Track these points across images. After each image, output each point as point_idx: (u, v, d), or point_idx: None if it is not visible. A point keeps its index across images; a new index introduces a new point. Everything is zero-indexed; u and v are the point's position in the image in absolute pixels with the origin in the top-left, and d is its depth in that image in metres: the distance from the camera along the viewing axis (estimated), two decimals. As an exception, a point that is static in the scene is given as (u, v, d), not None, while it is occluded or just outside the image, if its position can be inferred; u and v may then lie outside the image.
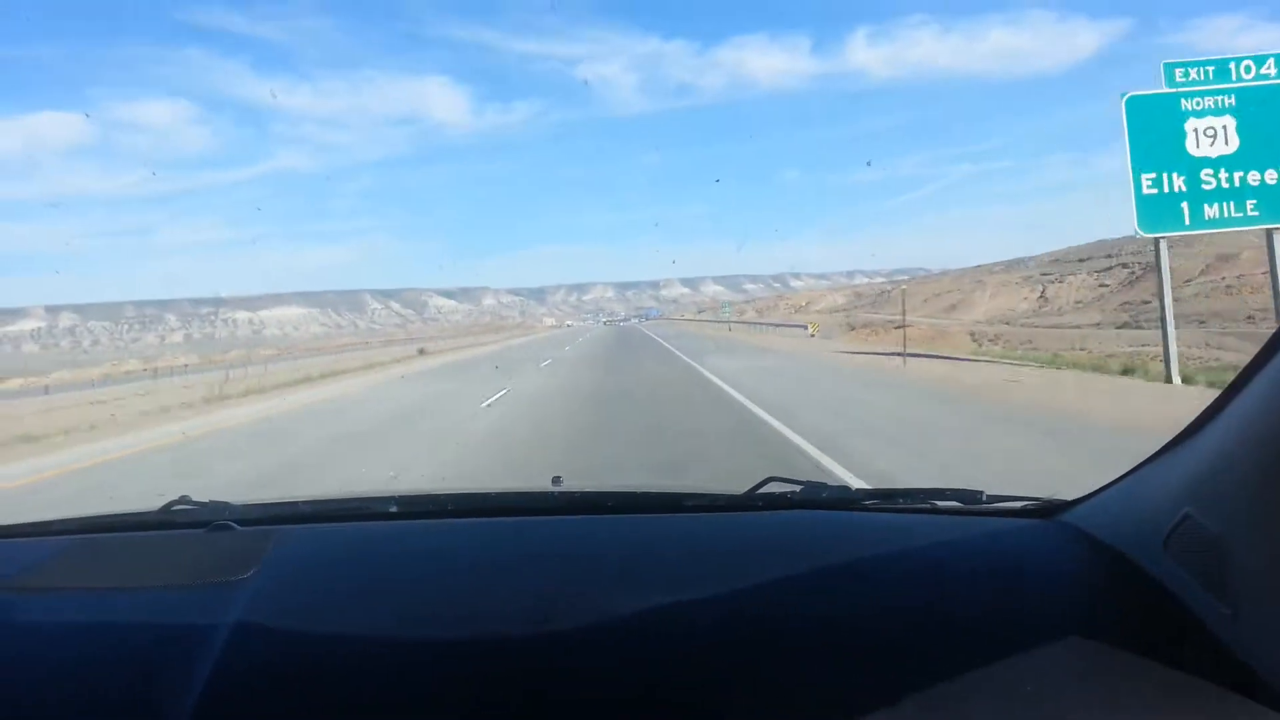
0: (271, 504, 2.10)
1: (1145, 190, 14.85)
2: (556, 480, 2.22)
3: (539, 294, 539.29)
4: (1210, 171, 14.67)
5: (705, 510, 1.88)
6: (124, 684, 1.24)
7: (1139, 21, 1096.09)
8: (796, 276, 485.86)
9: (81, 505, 7.86)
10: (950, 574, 1.46)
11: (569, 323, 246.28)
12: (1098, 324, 53.09)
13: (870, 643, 1.24)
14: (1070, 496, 1.63)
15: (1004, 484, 1.91)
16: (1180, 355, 32.40)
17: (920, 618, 1.29)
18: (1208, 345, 38.12)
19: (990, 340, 48.25)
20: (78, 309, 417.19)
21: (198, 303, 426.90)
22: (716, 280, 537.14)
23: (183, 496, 1.97)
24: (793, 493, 1.88)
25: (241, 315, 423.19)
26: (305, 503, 2.08)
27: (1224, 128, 14.62)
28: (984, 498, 1.78)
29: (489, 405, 15.45)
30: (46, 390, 43.52)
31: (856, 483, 6.37)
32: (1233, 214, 14.67)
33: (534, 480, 2.38)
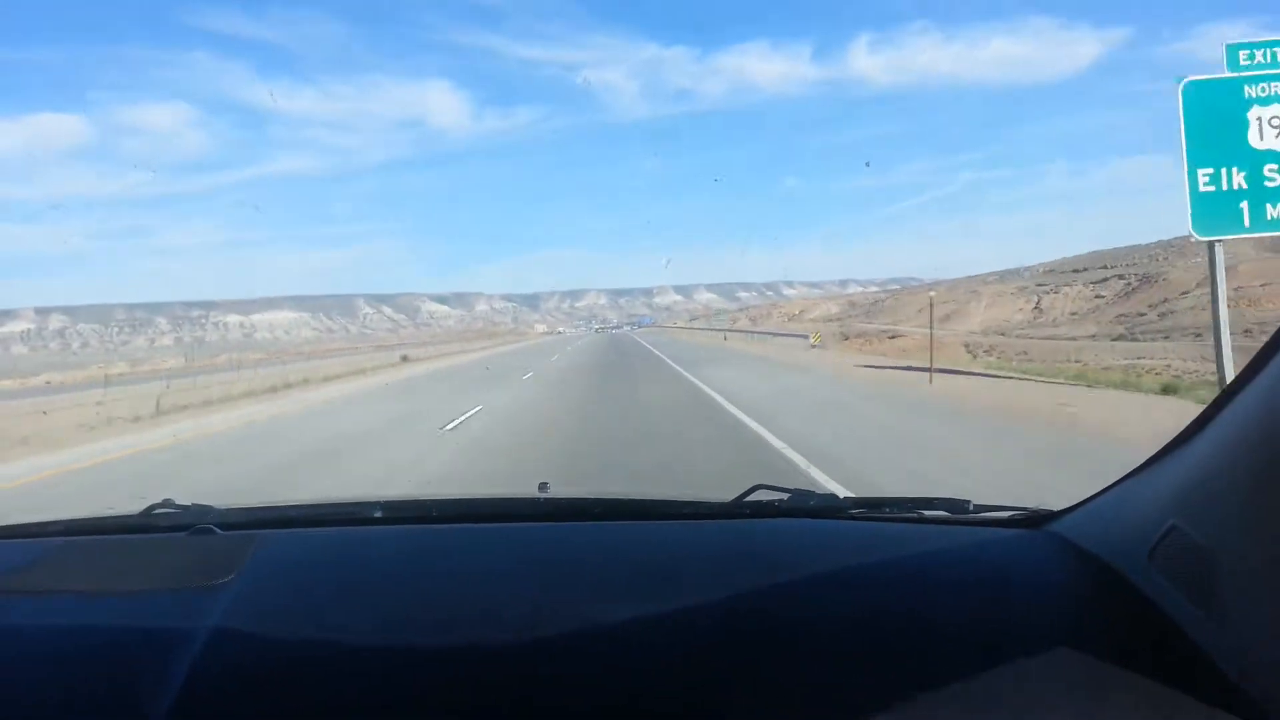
0: (255, 508, 2.05)
1: (1202, 188, 13.14)
2: (543, 486, 2.19)
3: (532, 300, 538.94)
4: (1275, 167, 13.10)
5: (692, 517, 1.89)
6: (101, 687, 1.25)
7: (1140, 30, 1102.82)
8: (790, 285, 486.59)
9: None
10: (936, 583, 1.45)
11: (561, 329, 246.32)
12: (1093, 336, 52.70)
13: (857, 651, 1.24)
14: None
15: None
16: (1178, 369, 32.05)
17: (905, 626, 1.29)
18: (1204, 359, 37.65)
19: (985, 351, 47.76)
20: (68, 311, 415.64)
21: (189, 306, 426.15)
22: (710, 288, 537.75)
23: (165, 500, 1.94)
24: (780, 500, 1.87)
25: (232, 319, 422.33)
26: (290, 507, 2.06)
27: (1293, 117, 12.96)
28: (971, 507, 1.78)
29: (453, 429, 13.23)
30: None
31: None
32: (1300, 215, 13.02)
33: None
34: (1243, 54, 13.21)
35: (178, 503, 1.94)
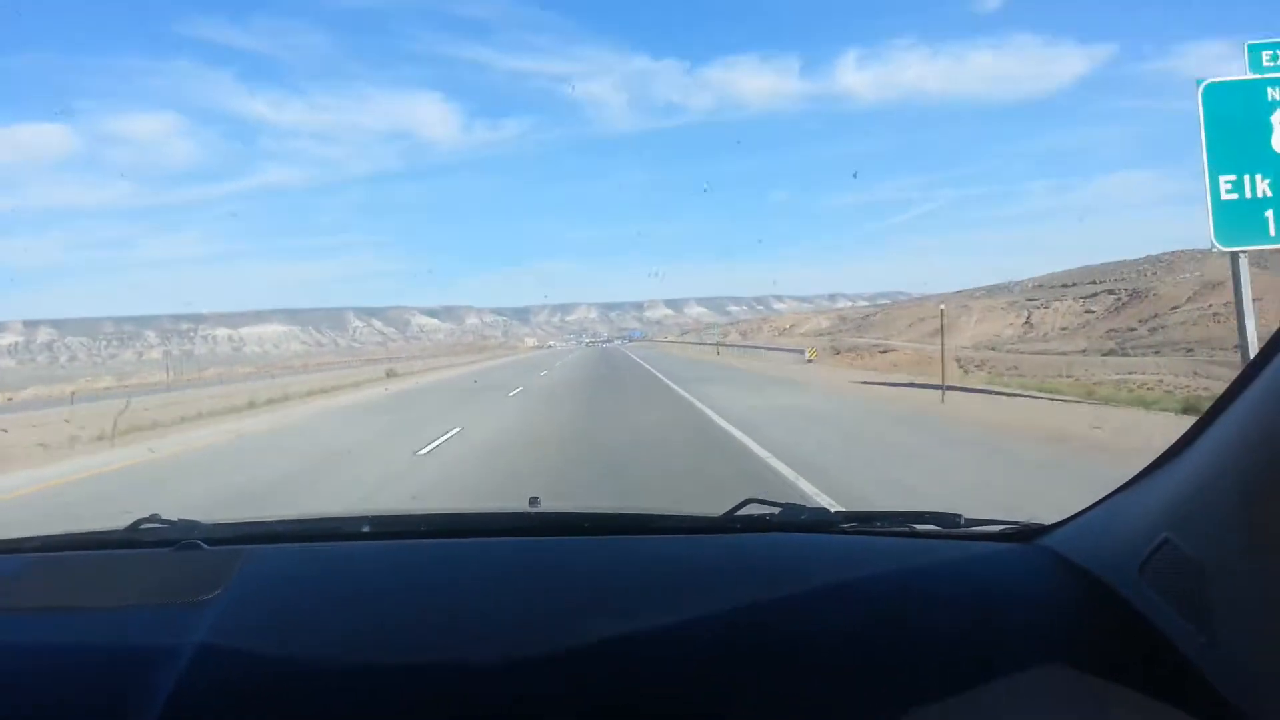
0: (242, 523, 2.04)
1: (1224, 195, 12.32)
2: (533, 501, 2.19)
3: (523, 314, 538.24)
4: (1303, 173, 11.95)
5: (683, 532, 1.88)
6: (85, 705, 1.24)
7: (1123, 47, 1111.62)
8: (779, 299, 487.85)
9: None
10: (929, 598, 1.45)
11: (551, 343, 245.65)
12: (1084, 351, 52.73)
13: (850, 666, 1.24)
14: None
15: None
16: (1169, 384, 31.97)
17: (898, 642, 1.29)
18: (1195, 374, 37.66)
19: (976, 366, 47.71)
20: (56, 324, 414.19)
21: (177, 319, 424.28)
22: (700, 301, 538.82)
23: (152, 515, 1.92)
24: (771, 515, 1.86)
25: (221, 332, 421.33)
26: (277, 522, 2.03)
27: (1321, 120, 11.97)
28: (962, 520, 1.77)
29: (426, 454, 12.09)
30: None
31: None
32: (1329, 225, 11.96)
33: None
34: (1265, 54, 12.39)
35: (164, 518, 1.92)
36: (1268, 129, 12.37)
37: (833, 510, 2.00)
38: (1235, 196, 12.47)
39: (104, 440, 17.95)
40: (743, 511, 1.90)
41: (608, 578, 1.59)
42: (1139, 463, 1.35)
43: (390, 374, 50.06)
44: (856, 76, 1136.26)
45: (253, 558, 1.66)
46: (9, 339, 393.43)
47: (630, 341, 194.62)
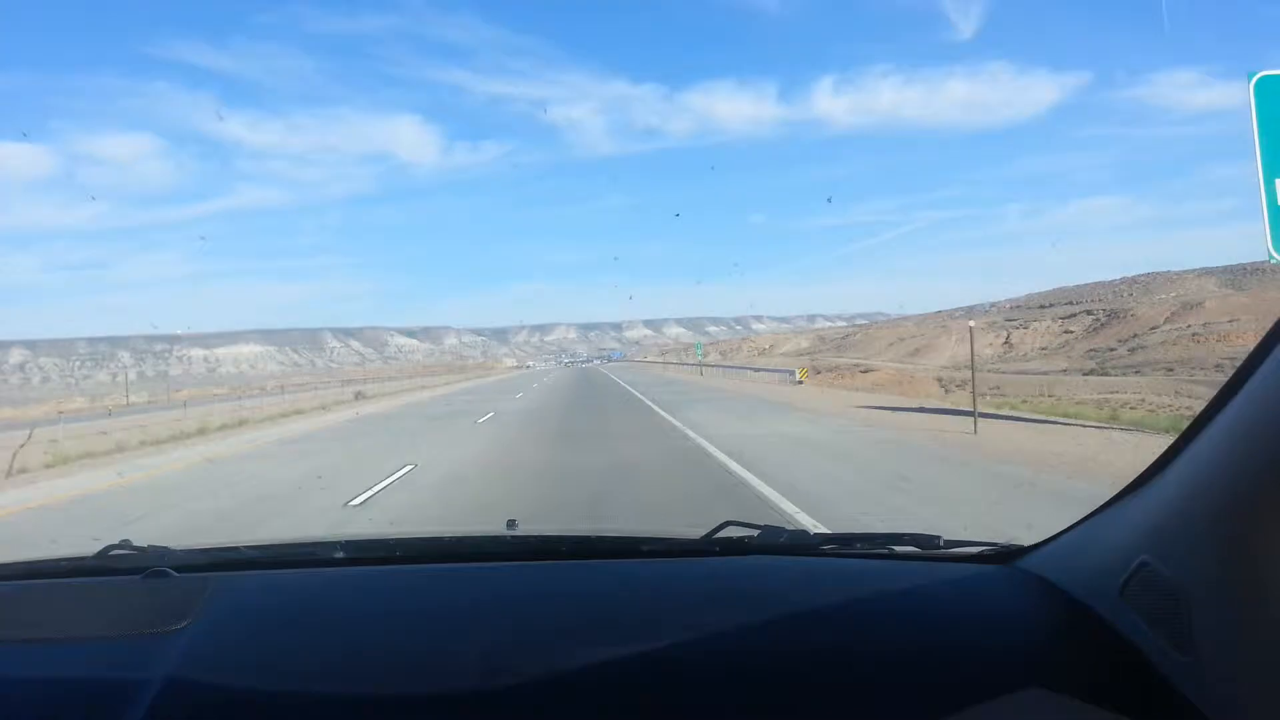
0: (214, 549, 1.99)
1: None
2: (511, 524, 2.20)
3: (501, 334, 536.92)
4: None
5: (663, 555, 1.86)
6: None
7: (1097, 75, 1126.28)
8: (758, 319, 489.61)
9: None
10: (907, 619, 1.45)
11: (530, 364, 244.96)
12: (1064, 370, 52.77)
13: (828, 689, 1.25)
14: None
15: None
16: (1151, 404, 31.78)
17: (877, 663, 1.30)
18: (1177, 394, 37.61)
19: (958, 386, 47.55)
20: (29, 345, 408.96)
21: (152, 340, 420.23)
22: (679, 322, 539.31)
23: (123, 541, 1.89)
24: (750, 537, 1.86)
25: (196, 353, 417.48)
26: (249, 548, 1.96)
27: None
28: (941, 542, 1.77)
29: (359, 504, 10.05)
30: None
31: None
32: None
33: None
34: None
35: (135, 544, 1.88)
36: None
37: (813, 532, 1.95)
38: (1295, 202, 10.90)
39: (27, 473, 15.98)
40: (722, 534, 1.87)
41: (587, 604, 1.56)
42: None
43: (359, 396, 48.13)
44: (833, 102, 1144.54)
45: (222, 586, 1.62)
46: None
47: (610, 361, 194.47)
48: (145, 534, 9.55)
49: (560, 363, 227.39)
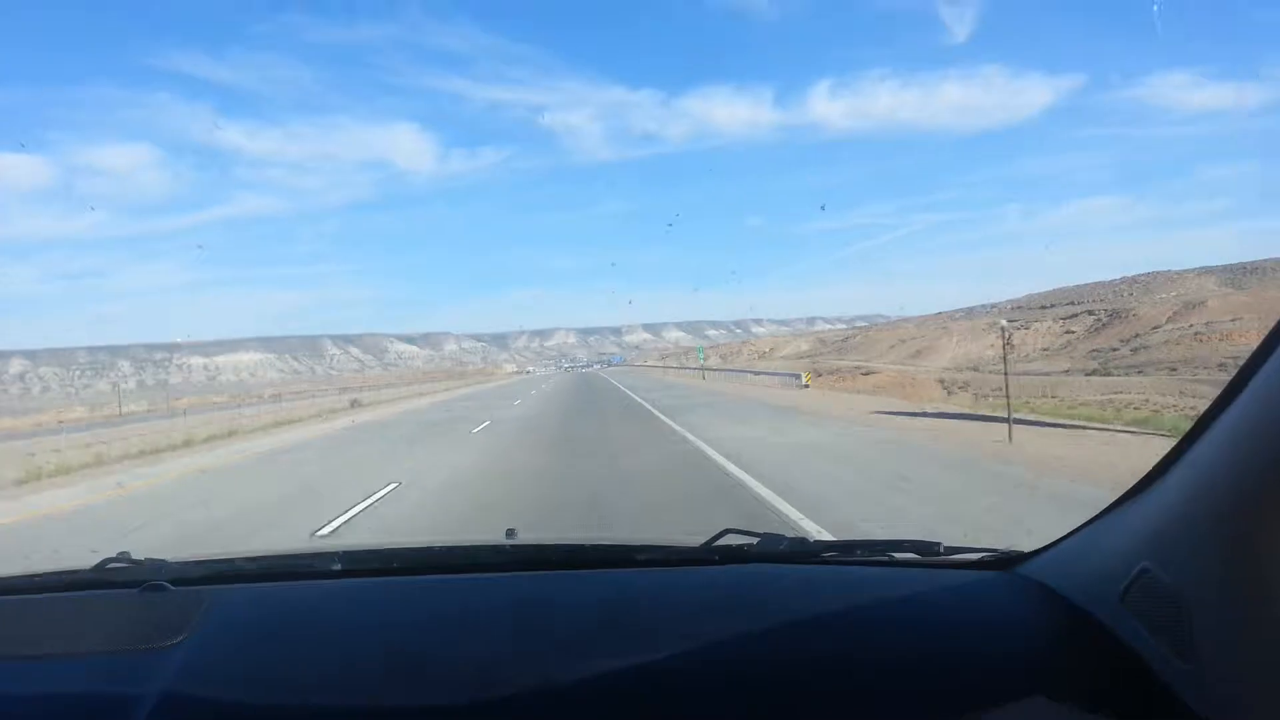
0: (210, 560, 1.95)
1: None
2: (510, 533, 2.18)
3: (501, 339, 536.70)
4: None
5: (661, 564, 1.84)
6: None
7: (1092, 77, 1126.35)
8: (758, 322, 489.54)
9: None
10: (908, 626, 1.45)
11: (530, 369, 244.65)
12: (1066, 371, 52.56)
13: (829, 696, 1.24)
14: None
15: None
16: (1156, 404, 31.49)
17: (878, 671, 1.29)
18: (1181, 393, 37.38)
19: (960, 388, 47.33)
20: (29, 355, 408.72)
21: (151, 348, 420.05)
22: (679, 326, 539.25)
23: (120, 553, 1.88)
24: (749, 545, 1.83)
25: (196, 361, 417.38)
26: (245, 559, 1.94)
27: None
28: (941, 549, 1.76)
29: (328, 534, 8.78)
30: None
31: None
32: None
33: None
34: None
35: (132, 556, 1.86)
36: None
37: (812, 539, 2.03)
38: None
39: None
40: (721, 541, 1.85)
41: (585, 614, 1.54)
42: None
43: (355, 404, 47.08)
44: (829, 106, 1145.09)
45: (219, 600, 1.61)
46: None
47: (610, 366, 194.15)
48: (137, 548, 9.52)
49: (560, 368, 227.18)
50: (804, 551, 1.85)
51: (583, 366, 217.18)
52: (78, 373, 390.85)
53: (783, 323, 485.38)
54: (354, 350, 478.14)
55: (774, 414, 21.65)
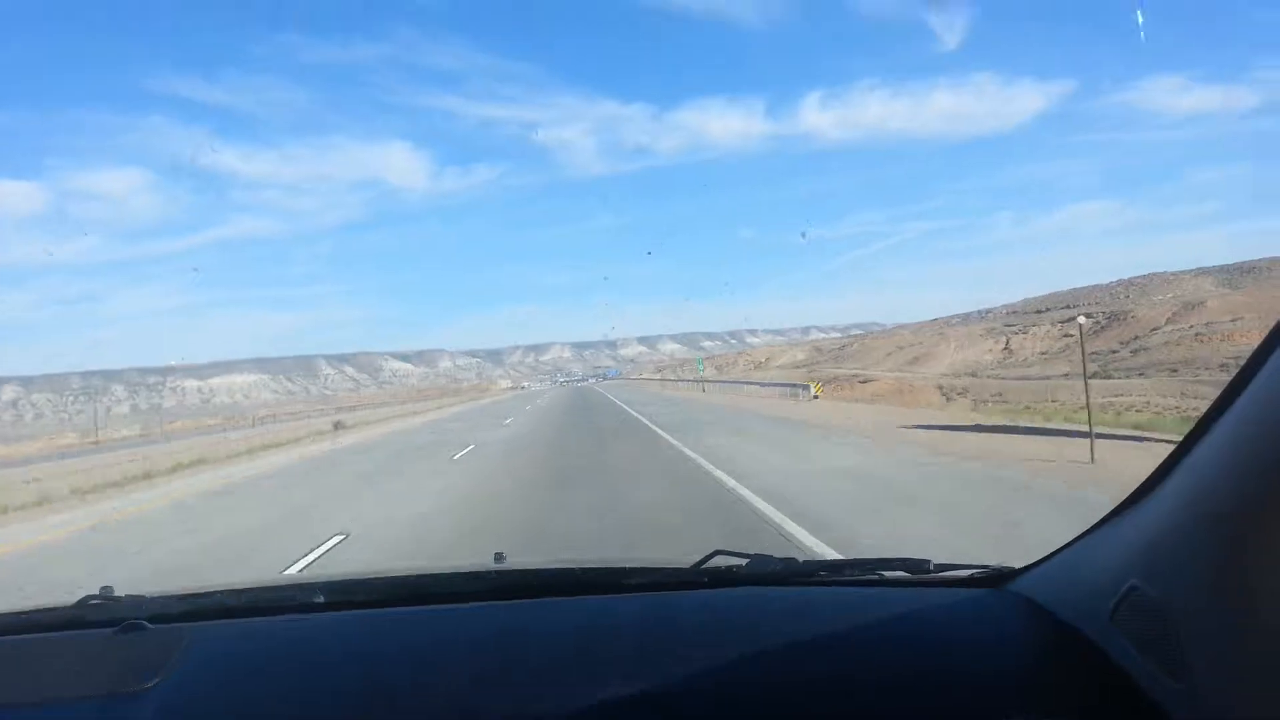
0: (191, 595, 1.90)
1: None
2: (499, 557, 2.18)
3: (496, 355, 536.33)
4: None
5: (652, 589, 1.82)
6: None
7: (1082, 83, 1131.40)
8: (753, 332, 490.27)
9: None
10: (898, 645, 1.44)
11: (525, 384, 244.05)
12: (1066, 375, 52.13)
13: (822, 718, 1.25)
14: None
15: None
16: (1158, 405, 31.03)
17: (870, 691, 1.30)
18: (1183, 394, 37.00)
19: (959, 394, 46.92)
20: (22, 381, 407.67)
21: (145, 372, 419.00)
22: (674, 338, 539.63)
23: (103, 589, 1.85)
24: (739, 567, 1.82)
25: (190, 384, 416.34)
26: (226, 593, 1.88)
27: None
28: (931, 566, 1.76)
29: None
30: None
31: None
32: None
33: None
34: None
35: (113, 593, 1.82)
36: None
37: (802, 560, 1.89)
38: None
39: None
40: (711, 563, 1.83)
41: (573, 641, 1.52)
42: None
43: (338, 426, 44.35)
44: (820, 116, 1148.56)
45: (198, 638, 1.56)
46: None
47: (606, 379, 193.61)
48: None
49: (556, 382, 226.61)
50: (795, 572, 1.82)
51: (578, 381, 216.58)
52: (71, 398, 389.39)
53: (778, 332, 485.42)
54: (348, 369, 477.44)
55: (789, 429, 19.31)
